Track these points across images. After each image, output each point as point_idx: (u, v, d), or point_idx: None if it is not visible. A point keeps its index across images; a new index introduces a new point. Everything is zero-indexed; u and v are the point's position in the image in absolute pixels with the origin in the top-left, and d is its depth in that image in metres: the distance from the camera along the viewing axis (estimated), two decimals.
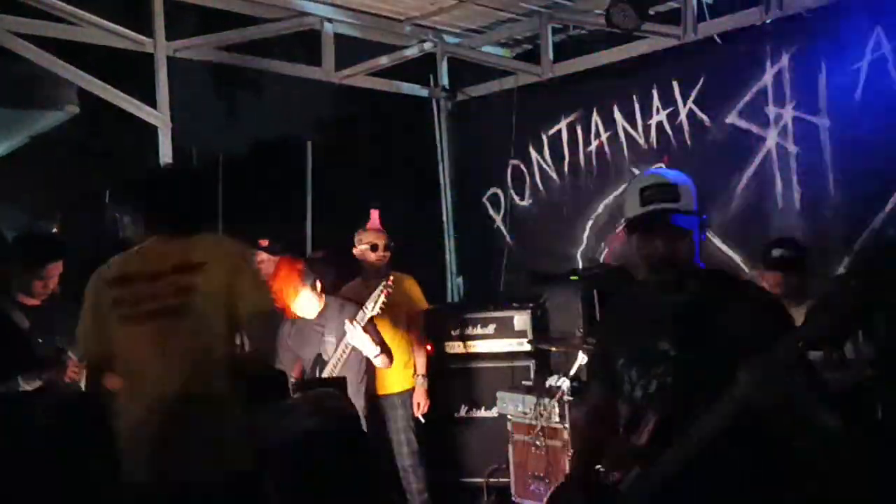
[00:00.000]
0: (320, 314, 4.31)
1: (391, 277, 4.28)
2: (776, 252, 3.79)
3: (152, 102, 4.85)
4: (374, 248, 4.71)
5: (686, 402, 2.07)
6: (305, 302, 4.24)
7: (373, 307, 4.17)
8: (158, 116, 4.82)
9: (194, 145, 7.78)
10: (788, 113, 4.85)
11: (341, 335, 4.18)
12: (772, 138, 4.93)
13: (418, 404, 4.78)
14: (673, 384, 2.14)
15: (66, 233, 5.65)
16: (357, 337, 4.14)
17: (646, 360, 2.20)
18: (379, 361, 4.28)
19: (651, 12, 5.04)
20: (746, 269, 4.85)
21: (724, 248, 5.05)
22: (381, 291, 4.17)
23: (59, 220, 5.62)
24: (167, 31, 4.93)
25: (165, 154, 4.85)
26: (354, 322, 4.14)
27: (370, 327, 4.20)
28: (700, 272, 2.25)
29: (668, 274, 2.20)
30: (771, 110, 4.92)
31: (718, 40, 5.12)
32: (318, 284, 4.31)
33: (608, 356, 2.36)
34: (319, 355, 4.25)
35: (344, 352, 4.17)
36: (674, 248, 2.16)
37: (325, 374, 4.18)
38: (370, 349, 4.19)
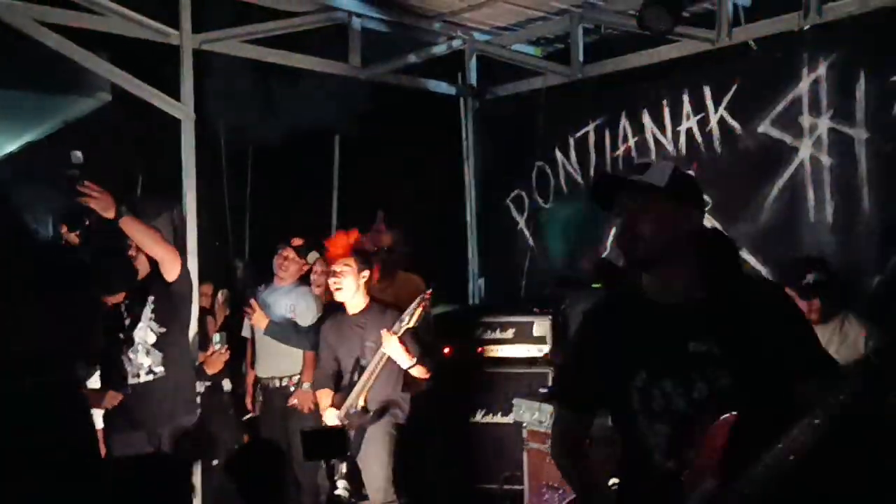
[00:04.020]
0: (362, 312, 4.28)
1: (429, 291, 4.22)
2: (810, 277, 3.68)
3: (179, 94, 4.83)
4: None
5: (752, 405, 1.89)
6: (350, 285, 4.21)
7: (409, 319, 4.11)
8: (181, 108, 4.80)
9: (222, 138, 7.80)
10: (824, 123, 4.69)
11: (381, 341, 4.14)
12: (805, 149, 4.77)
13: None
14: (731, 386, 1.94)
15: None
16: (392, 347, 4.10)
17: (679, 365, 1.99)
18: (415, 371, 4.25)
19: (685, 14, 4.91)
20: None
21: (753, 261, 4.90)
22: (419, 304, 4.12)
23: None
24: (195, 24, 4.91)
25: (188, 146, 4.83)
26: (391, 332, 4.10)
27: (406, 338, 4.15)
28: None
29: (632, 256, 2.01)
30: (806, 120, 4.76)
31: (753, 45, 4.97)
32: (369, 275, 4.26)
33: (591, 377, 2.17)
34: (358, 360, 4.23)
35: (382, 358, 4.14)
36: (634, 224, 1.99)
37: (363, 379, 4.14)
38: (405, 361, 4.16)
